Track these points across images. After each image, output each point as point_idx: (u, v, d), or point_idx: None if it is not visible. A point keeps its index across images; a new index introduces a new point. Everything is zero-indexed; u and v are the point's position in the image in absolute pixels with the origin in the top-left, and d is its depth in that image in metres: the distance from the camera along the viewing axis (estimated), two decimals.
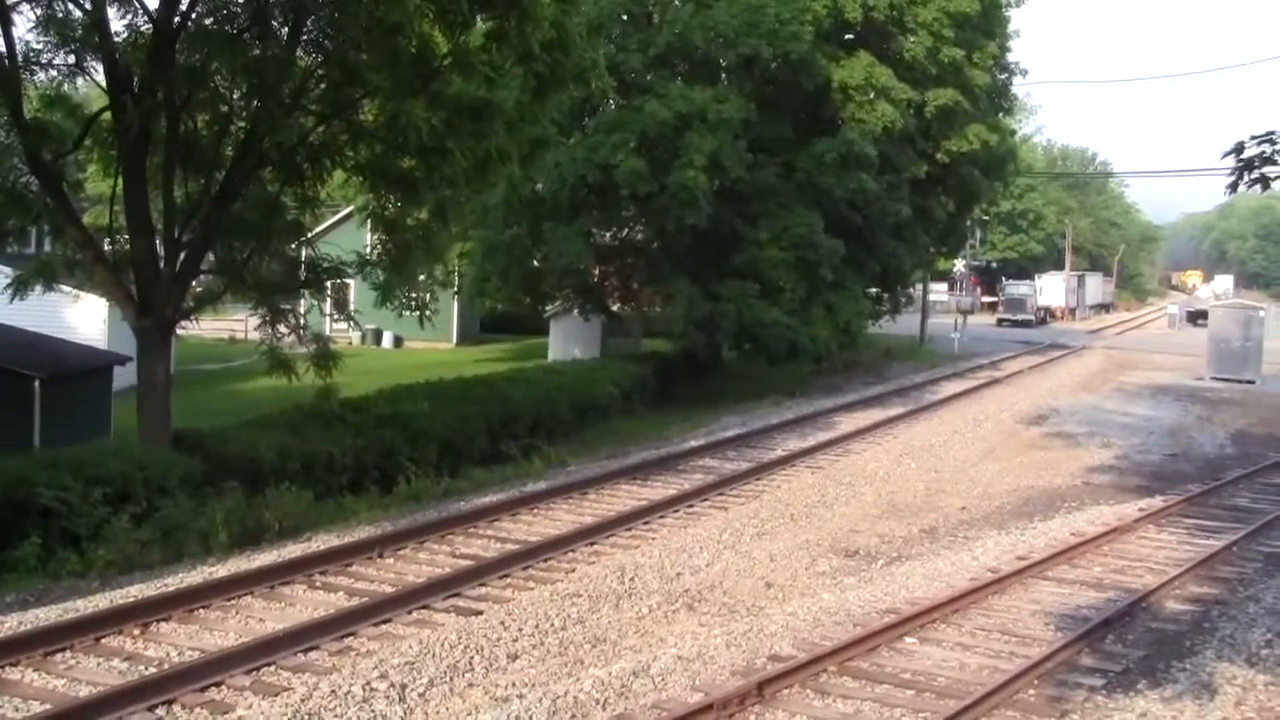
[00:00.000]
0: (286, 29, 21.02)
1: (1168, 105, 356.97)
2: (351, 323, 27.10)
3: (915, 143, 44.51)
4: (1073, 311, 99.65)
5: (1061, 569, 17.87)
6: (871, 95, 41.12)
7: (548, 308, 46.06)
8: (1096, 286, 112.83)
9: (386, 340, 53.61)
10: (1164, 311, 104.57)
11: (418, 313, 25.59)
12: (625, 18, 39.39)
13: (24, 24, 20.65)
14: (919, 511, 22.61)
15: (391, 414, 25.08)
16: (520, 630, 14.35)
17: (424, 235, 23.38)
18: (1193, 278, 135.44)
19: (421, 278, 25.86)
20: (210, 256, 22.62)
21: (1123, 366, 54.19)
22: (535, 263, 39.12)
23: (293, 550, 17.68)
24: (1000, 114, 53.68)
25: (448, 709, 12.08)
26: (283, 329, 23.15)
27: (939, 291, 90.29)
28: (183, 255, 21.56)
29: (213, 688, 12.25)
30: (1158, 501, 22.90)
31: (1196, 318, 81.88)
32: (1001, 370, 50.40)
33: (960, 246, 70.13)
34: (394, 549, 18.03)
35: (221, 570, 16.51)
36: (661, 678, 12.76)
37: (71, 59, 21.01)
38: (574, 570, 17.34)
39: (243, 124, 21.91)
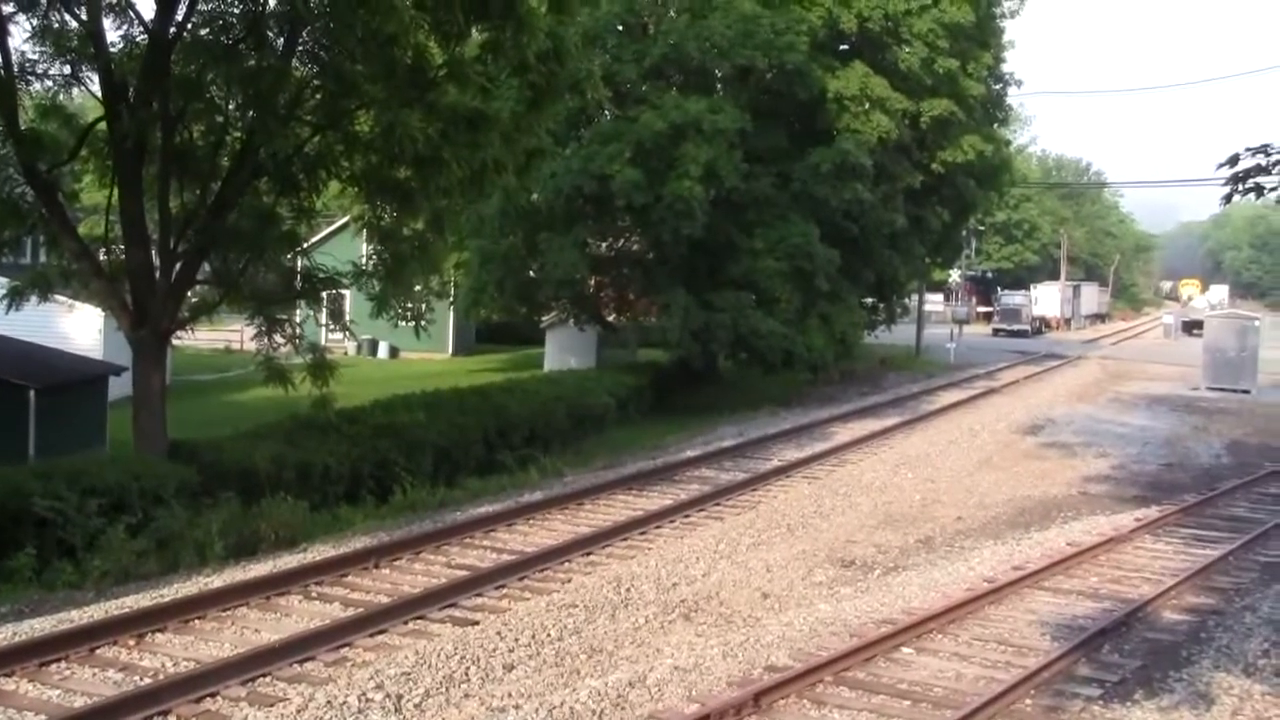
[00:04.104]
0: (282, 40, 21.02)
1: (1162, 116, 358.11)
2: (347, 333, 27.00)
3: (910, 153, 44.50)
4: (1068, 321, 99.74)
5: (1058, 579, 17.87)
6: (866, 106, 41.08)
7: (543, 318, 46.06)
8: (1092, 296, 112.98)
9: (382, 350, 53.54)
10: (1160, 321, 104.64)
11: (414, 323, 25.61)
12: (620, 28, 39.41)
13: (20, 34, 20.67)
14: (915, 522, 22.61)
15: (387, 424, 25.03)
16: (516, 641, 14.33)
17: (420, 245, 23.37)
18: (1189, 287, 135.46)
19: (417, 288, 25.86)
20: (206, 267, 22.61)
21: (1118, 376, 54.25)
22: (531, 273, 39.10)
23: (288, 561, 17.66)
24: (995, 124, 53.67)
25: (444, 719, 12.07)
26: (278, 339, 23.13)
27: (934, 301, 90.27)
28: (178, 265, 21.56)
29: (208, 698, 12.23)
30: (1154, 511, 22.89)
31: (1192, 328, 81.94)
32: (997, 380, 50.43)
33: (955, 256, 70.20)
34: (390, 559, 18.02)
35: (217, 581, 16.50)
36: (658, 688, 12.74)
37: (67, 69, 21.01)
38: (570, 581, 17.33)
39: (238, 134, 21.91)
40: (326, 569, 17.13)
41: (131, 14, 20.80)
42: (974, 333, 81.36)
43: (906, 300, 59.30)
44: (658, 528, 20.97)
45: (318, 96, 21.97)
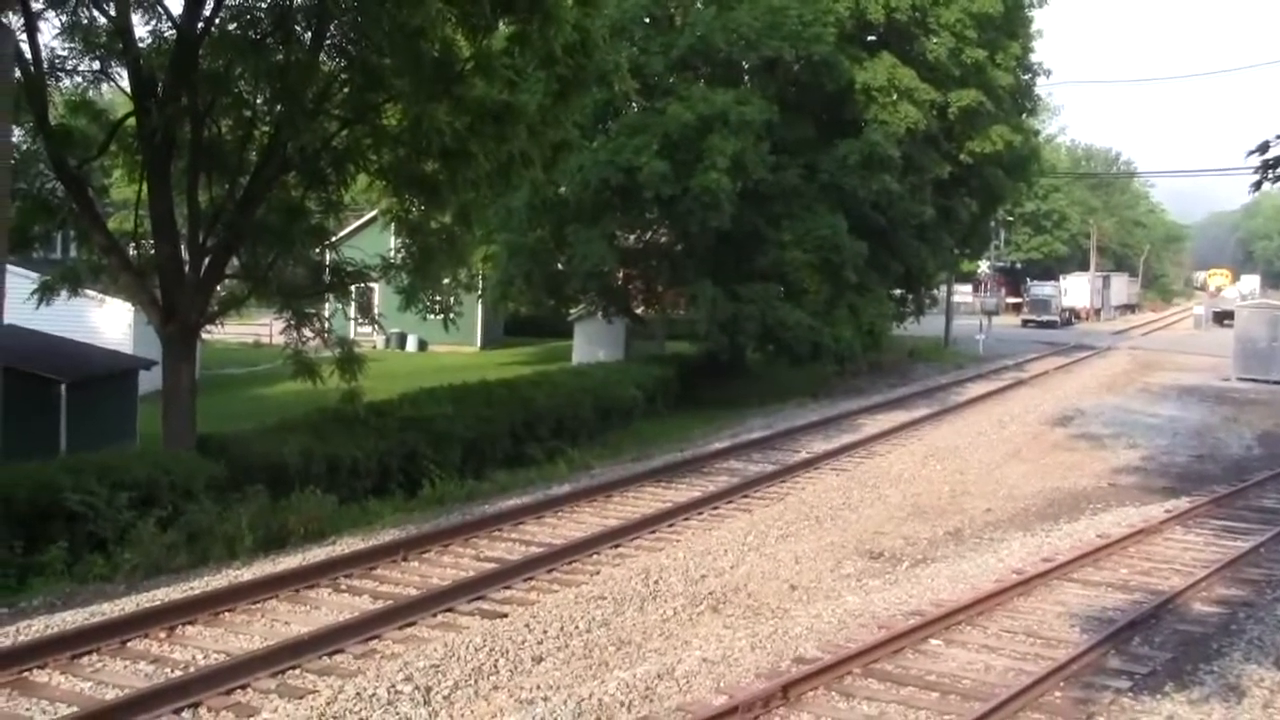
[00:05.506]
0: (309, 34, 21.12)
1: (1193, 104, 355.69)
2: (376, 326, 27.13)
3: (938, 144, 44.38)
4: (1098, 312, 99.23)
5: (1087, 571, 17.78)
6: (894, 96, 40.98)
7: (571, 310, 46.07)
8: (1121, 287, 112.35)
9: (411, 344, 53.72)
10: (1190, 312, 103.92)
11: (442, 316, 25.70)
12: (647, 20, 39.44)
13: (50, 31, 20.82)
14: (944, 513, 22.54)
15: (415, 417, 25.09)
16: (545, 633, 14.34)
17: (447, 238, 23.46)
18: (1217, 277, 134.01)
19: (445, 281, 25.95)
20: (234, 261, 22.72)
21: (1148, 367, 53.92)
22: (559, 266, 39.18)
23: (317, 554, 17.72)
24: (1023, 114, 53.47)
25: (472, 712, 12.08)
26: (307, 333, 23.23)
27: (963, 293, 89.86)
28: (207, 260, 21.67)
29: (238, 690, 12.28)
30: (1184, 503, 22.76)
31: (1223, 318, 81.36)
32: (1026, 371, 50.20)
33: (984, 247, 69.81)
34: (418, 552, 18.06)
35: (246, 574, 16.56)
36: (686, 680, 12.74)
37: (96, 65, 21.19)
38: (598, 573, 17.33)
39: (266, 129, 22.01)
40: (355, 562, 17.18)
41: (160, 9, 20.97)
42: (1003, 324, 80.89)
43: (935, 291, 59.13)
44: (686, 520, 20.95)
45: (345, 90, 22.06)
